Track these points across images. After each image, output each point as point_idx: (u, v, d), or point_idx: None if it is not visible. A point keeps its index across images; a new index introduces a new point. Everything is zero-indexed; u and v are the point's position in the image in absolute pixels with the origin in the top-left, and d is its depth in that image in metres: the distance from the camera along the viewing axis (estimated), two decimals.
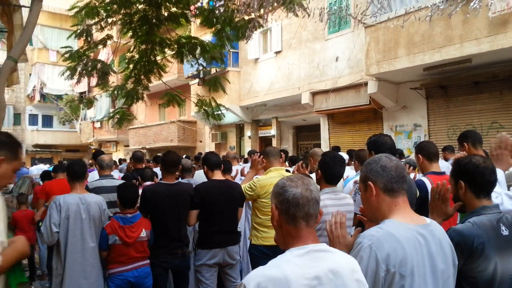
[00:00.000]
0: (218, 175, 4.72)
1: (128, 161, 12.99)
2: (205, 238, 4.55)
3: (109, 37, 8.05)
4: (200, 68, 9.14)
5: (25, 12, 5.82)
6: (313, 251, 1.66)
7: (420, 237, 1.89)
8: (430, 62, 9.20)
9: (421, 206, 3.60)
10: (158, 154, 8.67)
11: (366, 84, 11.34)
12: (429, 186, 3.64)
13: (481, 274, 2.17)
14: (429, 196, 3.61)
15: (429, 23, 8.05)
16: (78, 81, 8.13)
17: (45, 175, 7.58)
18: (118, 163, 13.80)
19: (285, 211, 1.71)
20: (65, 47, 8.16)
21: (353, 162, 5.60)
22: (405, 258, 1.81)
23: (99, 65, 8.02)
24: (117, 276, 4.07)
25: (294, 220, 1.70)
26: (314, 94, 13.49)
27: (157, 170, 6.61)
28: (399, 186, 1.96)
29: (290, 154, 14.74)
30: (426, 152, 3.91)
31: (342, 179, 5.25)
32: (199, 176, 5.97)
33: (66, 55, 7.87)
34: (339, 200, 3.46)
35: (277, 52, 15.10)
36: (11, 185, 15.07)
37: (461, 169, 2.44)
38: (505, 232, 2.25)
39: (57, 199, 4.13)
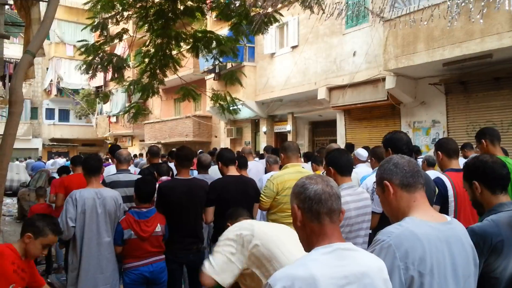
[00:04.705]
0: (232, 171, 4.74)
1: (144, 156, 13.06)
2: (221, 234, 4.53)
3: (125, 31, 8.06)
4: (216, 62, 9.11)
5: (42, 7, 5.85)
6: (339, 249, 1.63)
7: (440, 235, 1.86)
8: (450, 57, 9.04)
9: (441, 203, 3.55)
10: (173, 149, 8.67)
11: (384, 79, 11.21)
12: (448, 184, 3.59)
13: (504, 273, 2.13)
14: (449, 194, 3.58)
15: (450, 18, 7.88)
16: (93, 76, 8.16)
17: (62, 170, 7.64)
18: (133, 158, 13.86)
19: (308, 209, 1.68)
20: (81, 40, 8.19)
21: (370, 159, 5.52)
22: (425, 256, 1.78)
23: (114, 59, 8.04)
24: (132, 271, 4.07)
25: (318, 217, 1.67)
26: (330, 89, 13.38)
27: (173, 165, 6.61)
28: (415, 180, 1.94)
29: (306, 150, 14.70)
30: (446, 149, 3.87)
31: (356, 175, 5.24)
32: (214, 172, 5.97)
33: (82, 49, 7.90)
34: (357, 195, 3.45)
35: (294, 47, 14.99)
36: (28, 179, 15.35)
37: (471, 170, 2.45)
38: None
39: (73, 194, 4.14)
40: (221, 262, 2.66)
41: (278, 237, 2.67)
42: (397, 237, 1.80)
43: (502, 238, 2.14)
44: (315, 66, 14.01)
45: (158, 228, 4.16)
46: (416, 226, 1.84)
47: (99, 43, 7.96)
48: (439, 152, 3.88)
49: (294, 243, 2.60)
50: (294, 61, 14.83)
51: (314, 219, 1.67)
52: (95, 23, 7.75)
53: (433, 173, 4.24)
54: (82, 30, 8.64)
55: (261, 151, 12.24)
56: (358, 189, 3.57)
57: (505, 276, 2.13)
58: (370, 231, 3.62)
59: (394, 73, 10.71)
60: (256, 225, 2.76)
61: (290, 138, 16.31)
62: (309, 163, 7.00)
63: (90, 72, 8.00)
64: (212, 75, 17.81)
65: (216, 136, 20.96)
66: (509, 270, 2.13)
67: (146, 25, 7.87)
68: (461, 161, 3.99)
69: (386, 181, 1.98)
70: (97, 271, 4.08)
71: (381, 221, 3.48)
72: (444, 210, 3.48)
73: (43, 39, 5.02)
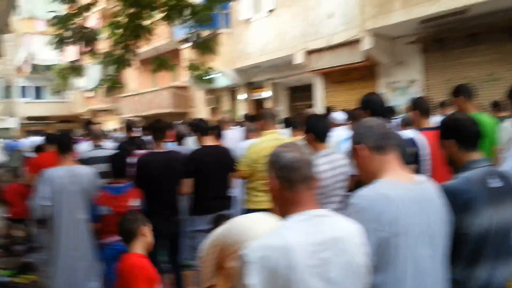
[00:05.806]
0: (210, 141, 4.72)
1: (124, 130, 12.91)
2: (201, 204, 4.57)
3: (95, 1, 7.83)
4: (191, 31, 8.94)
5: None
6: (314, 216, 1.63)
7: (413, 195, 1.88)
8: (426, 14, 8.98)
9: (417, 162, 3.57)
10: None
11: (361, 40, 11.10)
12: (423, 142, 3.67)
13: (473, 229, 2.13)
14: (424, 152, 3.60)
15: None
16: (63, 49, 7.99)
17: (39, 148, 7.51)
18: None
19: (282, 177, 1.67)
20: (52, 11, 8.01)
21: (350, 123, 5.51)
22: (398, 216, 1.80)
23: (85, 32, 7.85)
24: (110, 247, 4.04)
25: (292, 185, 1.65)
26: (309, 53, 13.21)
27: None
28: (387, 142, 1.96)
29: (285, 116, 14.64)
30: (420, 108, 3.99)
31: (333, 139, 5.23)
32: (191, 142, 5.94)
33: (54, 20, 7.72)
34: (334, 163, 3.45)
35: (271, 11, 14.70)
36: (3, 159, 15.08)
37: (445, 128, 2.46)
38: (496, 184, 2.21)
39: (45, 173, 4.09)
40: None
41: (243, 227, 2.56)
42: (369, 199, 1.82)
43: (474, 195, 2.14)
44: (292, 30, 13.78)
45: (134, 203, 4.12)
46: (388, 187, 1.85)
47: (70, 13, 7.77)
48: (414, 112, 3.93)
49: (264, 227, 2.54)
50: (272, 26, 14.57)
51: (289, 188, 1.66)
52: None
53: (408, 133, 4.27)
54: (53, 1, 8.34)
55: (240, 119, 12.17)
56: (335, 156, 3.58)
57: (475, 231, 2.14)
58: (349, 194, 3.63)
59: (371, 33, 10.61)
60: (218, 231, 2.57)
61: (269, 104, 16.21)
62: (290, 128, 6.95)
63: (61, 46, 7.84)
64: (188, 44, 17.46)
65: (194, 107, 20.76)
66: (481, 226, 2.14)
67: None
68: (439, 118, 4.03)
69: (359, 144, 1.99)
70: (74, 248, 4.07)
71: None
72: (419, 169, 3.51)
73: (10, 15, 4.85)
